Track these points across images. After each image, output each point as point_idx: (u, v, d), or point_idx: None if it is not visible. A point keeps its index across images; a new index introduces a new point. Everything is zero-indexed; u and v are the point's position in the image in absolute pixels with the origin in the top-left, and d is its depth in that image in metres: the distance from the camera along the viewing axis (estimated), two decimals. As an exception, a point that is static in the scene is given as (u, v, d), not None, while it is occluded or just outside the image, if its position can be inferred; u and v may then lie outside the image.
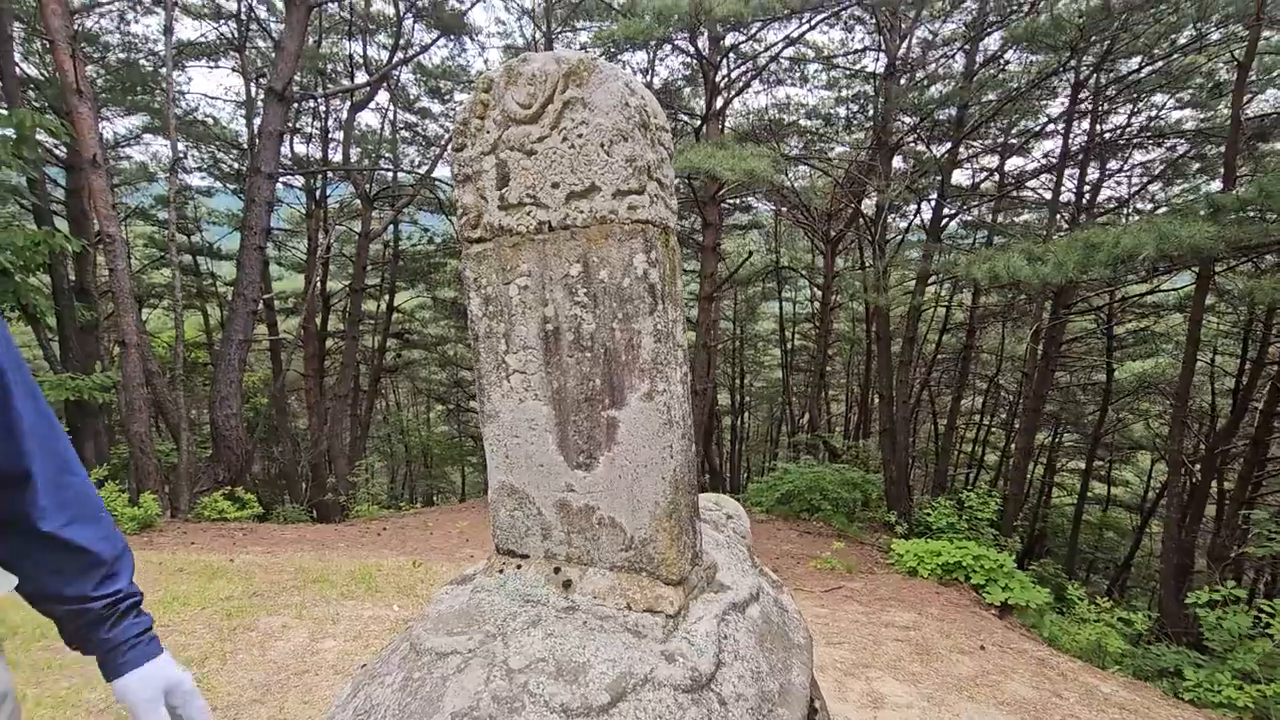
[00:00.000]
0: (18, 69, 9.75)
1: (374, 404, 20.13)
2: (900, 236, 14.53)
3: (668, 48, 12.31)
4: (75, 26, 8.60)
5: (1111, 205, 13.86)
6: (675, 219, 1.77)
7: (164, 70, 10.70)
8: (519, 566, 1.83)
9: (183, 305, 10.03)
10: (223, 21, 14.08)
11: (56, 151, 10.65)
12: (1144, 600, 14.10)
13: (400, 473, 24.37)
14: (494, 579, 1.83)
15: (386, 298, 17.93)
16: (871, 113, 12.71)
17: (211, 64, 14.56)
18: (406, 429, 24.45)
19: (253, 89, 13.72)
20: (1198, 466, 11.73)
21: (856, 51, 12.95)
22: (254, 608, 3.69)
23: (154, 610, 3.57)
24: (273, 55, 11.96)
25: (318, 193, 15.23)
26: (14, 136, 6.38)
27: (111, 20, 13.22)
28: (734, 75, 12.27)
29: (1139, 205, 13.62)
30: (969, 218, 16.04)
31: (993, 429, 20.58)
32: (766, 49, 11.72)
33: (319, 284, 15.05)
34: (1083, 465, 17.72)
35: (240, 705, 2.65)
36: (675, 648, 1.54)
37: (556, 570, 1.77)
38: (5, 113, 6.55)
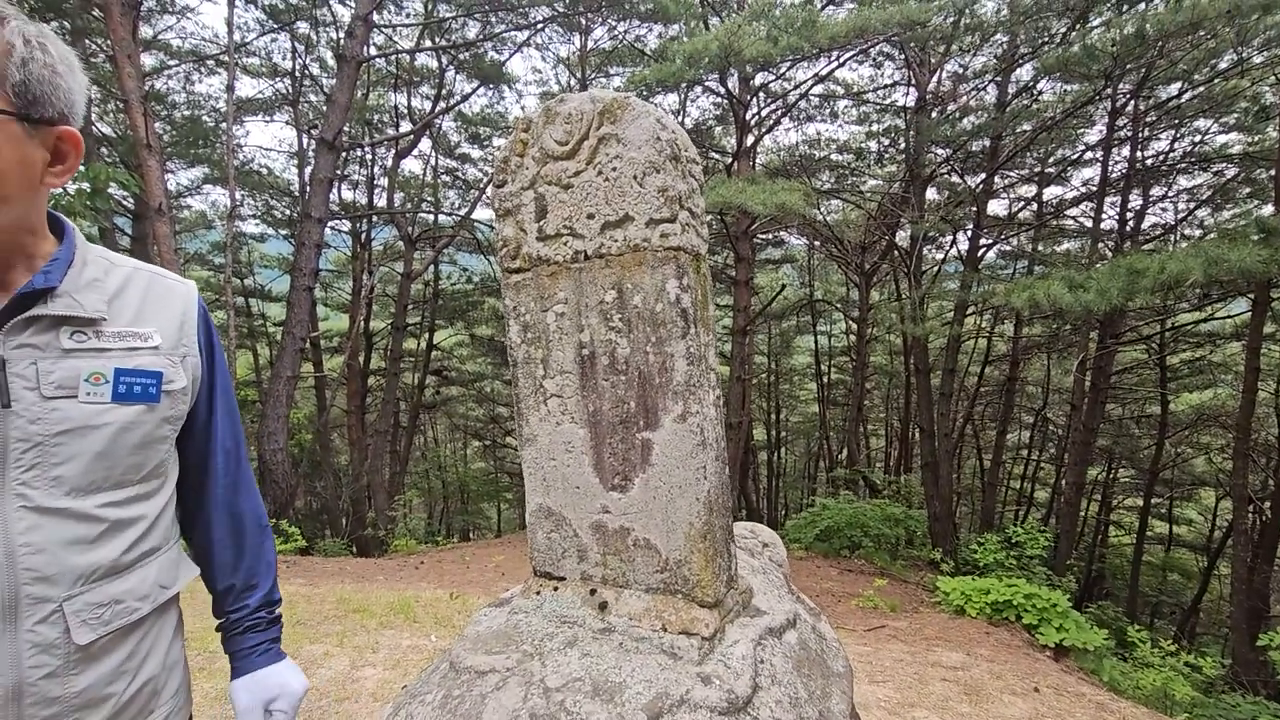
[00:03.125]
0: (93, 127, 10.52)
1: (413, 440, 20.49)
2: (937, 268, 14.38)
3: (698, 89, 12.63)
4: (146, 87, 9.27)
5: (1157, 232, 13.51)
6: (706, 246, 1.82)
7: (224, 125, 11.41)
8: (556, 588, 1.85)
9: (235, 345, 10.45)
10: (279, 78, 15.01)
11: (125, 203, 11.38)
12: (1215, 647, 13.21)
13: (437, 509, 24.59)
14: (531, 600, 1.86)
15: (426, 335, 18.41)
16: (903, 146, 12.75)
17: (267, 118, 15.47)
18: (444, 465, 24.75)
19: (304, 140, 14.49)
20: (1267, 504, 11.09)
21: (886, 86, 13.08)
22: (297, 636, 3.76)
23: (198, 639, 3.67)
24: (324, 108, 12.66)
25: (363, 236, 15.87)
26: (90, 189, 6.86)
27: (178, 80, 14.23)
28: (764, 113, 12.49)
29: (1186, 231, 13.25)
30: (1007, 247, 15.80)
31: (1042, 464, 19.84)
32: (796, 87, 11.93)
33: (363, 323, 15.54)
34: (1140, 502, 16.91)
35: (283, 730, 2.70)
36: (711, 670, 1.54)
37: (593, 592, 1.79)
38: (83, 169, 7.06)
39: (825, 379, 21.63)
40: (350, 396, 15.24)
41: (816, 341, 21.17)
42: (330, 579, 6.04)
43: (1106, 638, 6.14)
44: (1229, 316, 12.67)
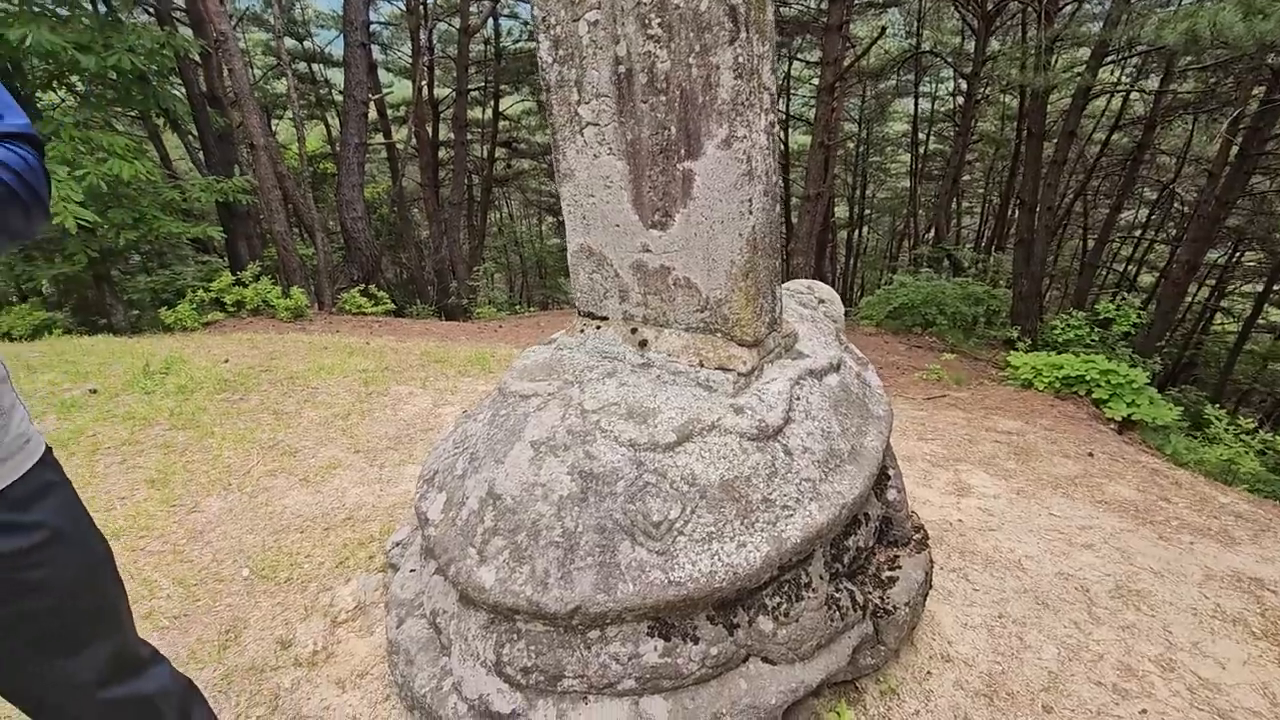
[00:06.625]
0: None
1: (487, 215, 20.72)
2: (1076, 4, 11.92)
3: None
4: None
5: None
6: (768, -76, 1.48)
7: None
8: (599, 327, 1.87)
9: (303, 112, 10.29)
10: None
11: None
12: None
13: (517, 283, 25.65)
14: (575, 338, 1.90)
15: (492, 103, 17.61)
16: None
17: None
18: (520, 241, 25.24)
19: None
20: None
21: None
22: (386, 378, 4.18)
23: (305, 377, 4.13)
24: None
25: (415, -15, 14.49)
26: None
27: None
28: None
29: None
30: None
31: (1155, 244, 18.11)
32: None
33: (425, 88, 14.90)
34: (1260, 288, 15.47)
35: (378, 450, 3.10)
36: (745, 402, 1.56)
37: (634, 331, 1.80)
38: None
39: (922, 149, 19.68)
40: (423, 169, 15.22)
41: (917, 104, 18.88)
42: (416, 336, 6.56)
43: (1180, 417, 5.98)
44: None
